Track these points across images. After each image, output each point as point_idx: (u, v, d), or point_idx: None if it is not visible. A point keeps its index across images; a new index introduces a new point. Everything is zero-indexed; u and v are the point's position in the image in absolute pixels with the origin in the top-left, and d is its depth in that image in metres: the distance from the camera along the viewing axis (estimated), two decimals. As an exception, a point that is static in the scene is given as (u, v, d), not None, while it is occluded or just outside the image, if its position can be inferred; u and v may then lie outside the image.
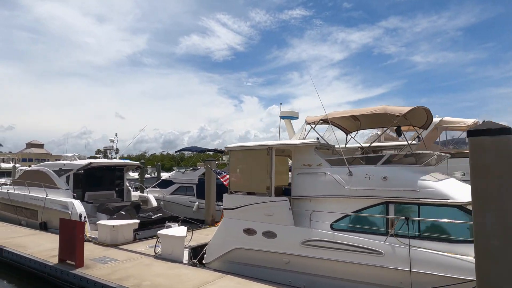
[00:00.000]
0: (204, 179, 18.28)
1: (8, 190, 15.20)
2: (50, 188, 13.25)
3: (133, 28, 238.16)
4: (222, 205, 8.43)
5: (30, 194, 13.79)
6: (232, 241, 7.96)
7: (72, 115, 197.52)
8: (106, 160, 14.62)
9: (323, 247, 6.67)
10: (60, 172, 13.56)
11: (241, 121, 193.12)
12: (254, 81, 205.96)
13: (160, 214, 12.76)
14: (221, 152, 20.37)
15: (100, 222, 10.56)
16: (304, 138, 9.43)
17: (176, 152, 20.34)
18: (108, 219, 12.18)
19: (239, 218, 7.98)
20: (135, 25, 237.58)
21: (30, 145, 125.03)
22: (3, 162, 46.01)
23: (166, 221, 12.99)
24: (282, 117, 9.93)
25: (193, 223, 13.91)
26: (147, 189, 18.98)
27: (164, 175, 19.85)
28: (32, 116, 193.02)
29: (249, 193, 8.11)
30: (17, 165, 44.80)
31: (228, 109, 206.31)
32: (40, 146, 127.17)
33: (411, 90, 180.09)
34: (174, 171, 19.70)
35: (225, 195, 8.40)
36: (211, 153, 21.33)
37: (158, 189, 19.07)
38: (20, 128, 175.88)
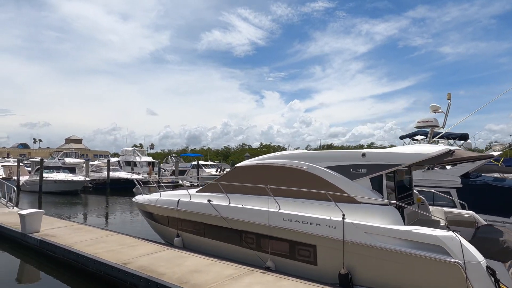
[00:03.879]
0: (479, 182, 11.48)
1: (210, 201, 8.68)
2: (341, 202, 6.65)
3: (156, 25, 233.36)
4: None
5: (284, 212, 7.21)
6: None
7: (100, 112, 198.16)
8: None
9: None
10: (354, 170, 6.89)
11: (262, 117, 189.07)
12: (275, 76, 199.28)
13: None
14: (465, 138, 13.38)
15: None
16: None
17: (401, 138, 13.70)
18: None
19: None
20: (157, 22, 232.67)
21: (69, 140, 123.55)
22: (66, 156, 40.82)
23: None
24: None
25: None
26: None
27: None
28: (63, 113, 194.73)
29: None
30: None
31: (249, 104, 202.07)
32: (79, 141, 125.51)
33: (439, 82, 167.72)
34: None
35: None
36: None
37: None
38: (54, 125, 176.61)
